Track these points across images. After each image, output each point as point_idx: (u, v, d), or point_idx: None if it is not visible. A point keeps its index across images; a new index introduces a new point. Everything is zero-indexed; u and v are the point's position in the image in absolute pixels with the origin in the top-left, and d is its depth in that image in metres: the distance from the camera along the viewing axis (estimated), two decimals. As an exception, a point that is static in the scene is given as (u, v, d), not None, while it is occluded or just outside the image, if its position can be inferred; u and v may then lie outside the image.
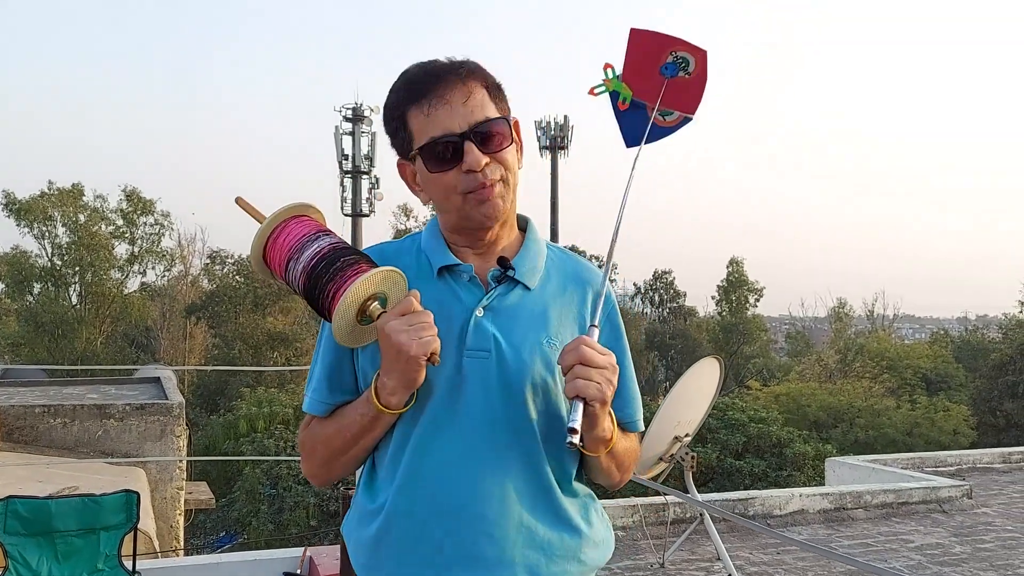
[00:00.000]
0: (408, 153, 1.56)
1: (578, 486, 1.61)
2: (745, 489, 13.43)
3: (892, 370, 30.62)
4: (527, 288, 1.58)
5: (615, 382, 1.47)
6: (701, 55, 1.84)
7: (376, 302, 1.47)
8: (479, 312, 1.54)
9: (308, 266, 1.48)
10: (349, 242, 1.76)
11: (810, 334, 48.20)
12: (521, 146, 1.64)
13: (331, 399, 1.62)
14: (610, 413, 1.54)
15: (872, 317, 45.28)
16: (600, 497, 1.71)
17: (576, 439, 1.41)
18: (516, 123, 1.61)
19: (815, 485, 12.07)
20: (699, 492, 8.18)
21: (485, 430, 1.50)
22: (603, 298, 1.59)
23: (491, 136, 1.52)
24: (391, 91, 1.56)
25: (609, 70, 1.89)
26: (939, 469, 9.10)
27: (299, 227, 1.54)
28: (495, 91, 1.57)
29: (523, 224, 1.68)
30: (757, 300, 42.69)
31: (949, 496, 7.71)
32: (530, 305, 1.57)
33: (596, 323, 1.54)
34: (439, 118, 1.49)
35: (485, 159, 1.50)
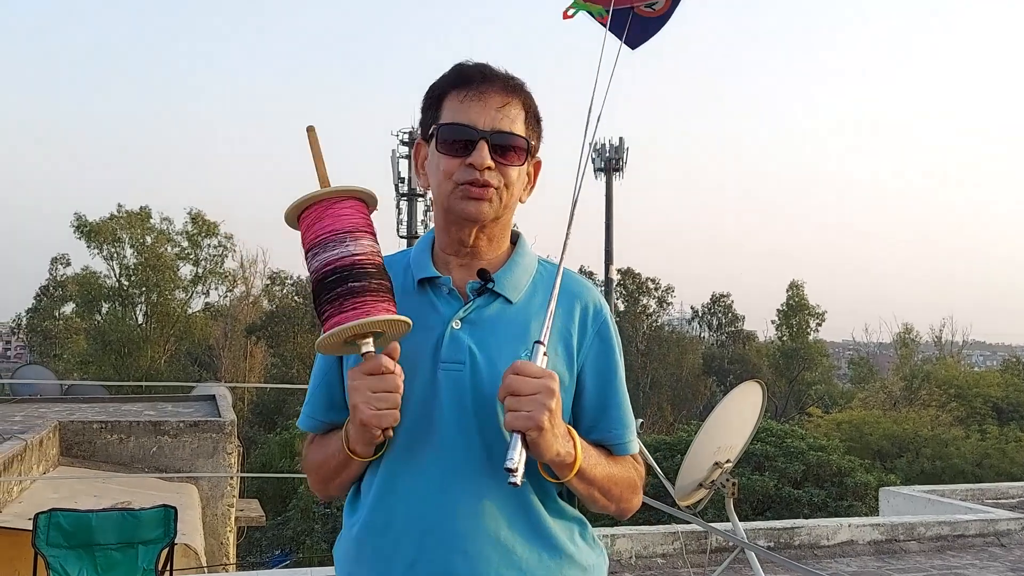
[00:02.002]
0: (429, 131, 1.57)
1: (566, 508, 1.58)
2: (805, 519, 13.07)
3: (960, 398, 29.59)
4: (508, 301, 1.56)
5: (551, 405, 1.38)
6: None
7: (371, 336, 1.44)
8: (455, 324, 1.53)
9: (320, 270, 1.43)
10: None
11: (874, 360, 46.92)
12: (532, 186, 1.65)
13: (322, 416, 1.63)
14: (573, 436, 1.48)
15: (940, 343, 43.89)
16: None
17: (517, 478, 1.35)
18: (538, 163, 1.64)
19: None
20: (755, 520, 7.99)
21: (459, 443, 1.47)
22: (550, 313, 1.51)
23: (507, 148, 1.53)
24: (442, 74, 1.59)
25: None
26: (1000, 501, 8.75)
27: (332, 219, 1.45)
28: (532, 119, 1.58)
29: (515, 239, 1.67)
30: (819, 325, 41.82)
31: (1008, 529, 7.39)
32: (510, 318, 1.55)
33: (542, 339, 1.46)
34: (470, 109, 1.52)
35: (490, 163, 1.50)
